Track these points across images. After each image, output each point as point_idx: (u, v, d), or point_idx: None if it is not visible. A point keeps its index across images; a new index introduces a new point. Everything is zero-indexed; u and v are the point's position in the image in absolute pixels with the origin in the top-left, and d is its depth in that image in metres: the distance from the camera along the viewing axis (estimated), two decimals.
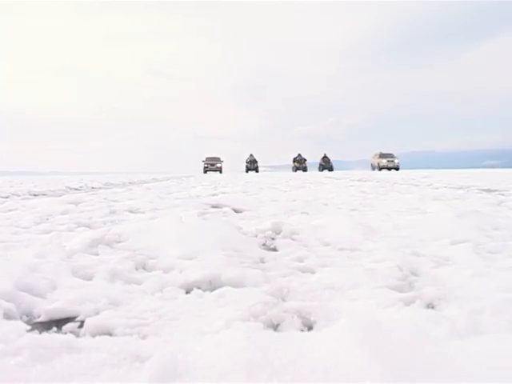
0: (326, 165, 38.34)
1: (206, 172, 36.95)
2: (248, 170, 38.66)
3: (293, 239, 2.01)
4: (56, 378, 0.67)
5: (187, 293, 1.19)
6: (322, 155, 39.44)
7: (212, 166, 37.29)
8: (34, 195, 5.50)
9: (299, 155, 39.53)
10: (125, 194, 5.47)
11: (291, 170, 39.10)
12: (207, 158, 39.06)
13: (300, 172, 35.10)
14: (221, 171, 36.87)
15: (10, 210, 3.25)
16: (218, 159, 38.84)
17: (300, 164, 38.53)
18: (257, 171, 38.14)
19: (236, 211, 3.22)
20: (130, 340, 0.84)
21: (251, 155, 39.91)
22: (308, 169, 38.55)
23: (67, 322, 1.00)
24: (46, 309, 1.04)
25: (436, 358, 0.68)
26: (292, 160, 39.81)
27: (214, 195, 5.00)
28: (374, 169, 35.51)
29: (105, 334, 0.90)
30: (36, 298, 1.09)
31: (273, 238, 2.06)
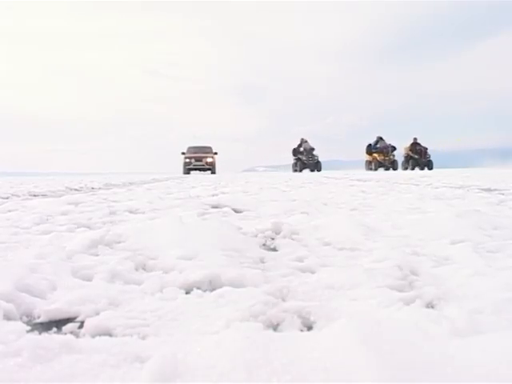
0: (419, 159, 22.08)
1: (188, 172, 22.94)
2: (302, 167, 22.65)
3: (293, 239, 2.01)
4: (56, 378, 0.67)
5: (187, 293, 1.19)
6: (411, 141, 22.93)
7: (198, 161, 22.87)
8: (34, 196, 5.50)
9: (380, 140, 22.64)
10: (125, 194, 5.47)
11: (365, 167, 23.54)
12: (190, 149, 24.03)
13: (381, 171, 20.53)
14: (213, 170, 23.17)
15: (10, 211, 3.25)
16: (207, 150, 23.97)
17: (384, 157, 22.09)
18: (318, 169, 22.68)
19: (236, 211, 3.22)
20: (130, 340, 0.84)
21: (305, 141, 23.15)
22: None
23: (67, 322, 1.00)
24: (45, 309, 1.04)
25: (436, 357, 0.67)
26: (365, 150, 23.33)
27: (213, 195, 5.00)
28: None
29: (105, 334, 0.90)
30: (36, 299, 1.09)
31: (273, 238, 2.06)
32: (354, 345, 0.68)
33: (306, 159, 22.73)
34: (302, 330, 0.93)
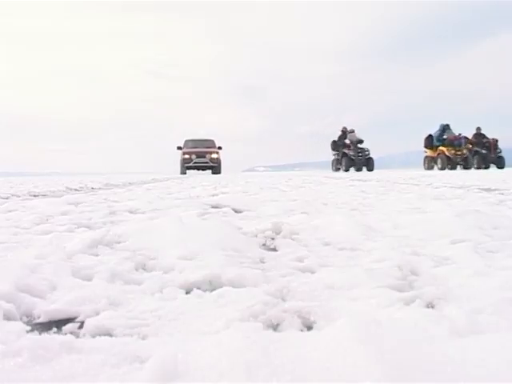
0: (487, 154, 17.39)
1: (185, 171, 19.29)
2: (349, 164, 17.86)
3: (293, 239, 2.01)
4: (56, 378, 0.67)
5: (187, 293, 1.19)
6: (475, 131, 18.20)
7: (200, 157, 18.63)
8: (34, 196, 5.50)
9: (447, 129, 17.81)
10: (125, 194, 5.47)
11: (424, 164, 18.53)
12: (188, 143, 19.74)
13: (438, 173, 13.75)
14: (218, 168, 19.25)
15: (10, 211, 3.24)
16: (210, 143, 19.84)
17: (456, 151, 16.93)
18: (369, 167, 18.04)
19: (236, 211, 3.22)
20: (130, 340, 0.84)
21: (350, 131, 18.41)
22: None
23: (67, 322, 1.00)
24: (45, 309, 1.04)
25: (436, 357, 0.68)
26: (424, 142, 18.24)
27: (213, 195, 5.00)
28: None
29: (105, 334, 0.90)
30: (36, 299, 1.09)
31: (273, 238, 2.06)
32: (354, 345, 0.68)
33: (353, 154, 17.39)
34: (302, 330, 0.93)
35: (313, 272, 1.40)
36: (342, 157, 18.35)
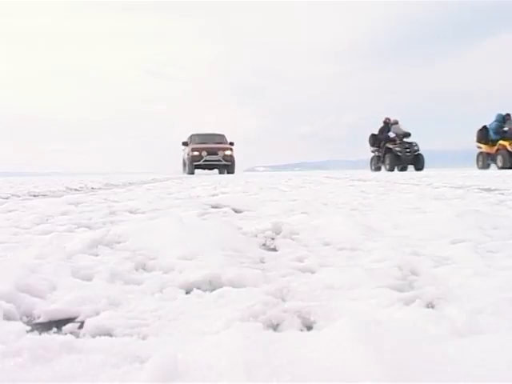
0: None
1: (193, 171, 17.13)
2: (394, 162, 14.88)
3: (293, 239, 2.01)
4: (56, 378, 0.67)
5: (187, 293, 1.19)
6: None
7: (212, 154, 16.43)
8: (34, 196, 5.50)
9: (508, 120, 14.70)
10: (125, 194, 5.47)
11: (477, 162, 15.35)
12: (195, 138, 17.41)
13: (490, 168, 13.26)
14: (232, 167, 17.14)
15: (10, 211, 3.24)
16: (221, 139, 17.56)
17: None
18: (419, 166, 15.06)
19: (236, 211, 3.22)
20: (130, 340, 0.84)
21: (394, 122, 15.49)
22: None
23: (67, 322, 1.00)
24: (45, 309, 1.04)
25: (436, 357, 0.68)
26: (477, 136, 15.16)
27: (213, 195, 5.00)
28: None
29: (105, 334, 0.90)
30: (36, 299, 1.09)
31: (273, 238, 2.06)
32: (354, 345, 0.68)
33: (399, 150, 14.37)
34: (301, 330, 0.93)
35: (313, 272, 1.40)
36: (384, 153, 15.36)
